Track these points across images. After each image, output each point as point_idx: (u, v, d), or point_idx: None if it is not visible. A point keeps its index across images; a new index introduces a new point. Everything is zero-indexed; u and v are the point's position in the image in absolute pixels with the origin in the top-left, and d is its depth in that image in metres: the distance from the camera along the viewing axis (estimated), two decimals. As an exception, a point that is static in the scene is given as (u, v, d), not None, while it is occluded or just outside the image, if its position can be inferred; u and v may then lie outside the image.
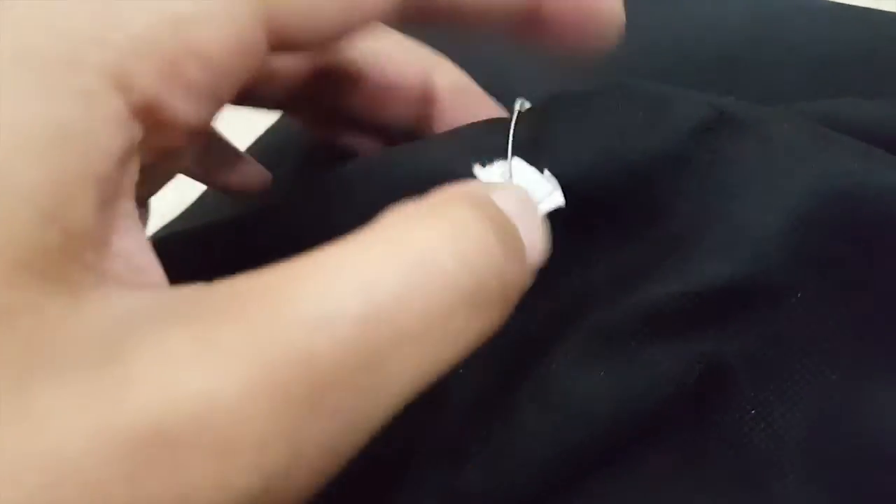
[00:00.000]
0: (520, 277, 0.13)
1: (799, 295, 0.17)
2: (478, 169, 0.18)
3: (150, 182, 0.16)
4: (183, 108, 0.12)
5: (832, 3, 0.28)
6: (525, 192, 0.16)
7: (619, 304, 0.17)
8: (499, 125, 0.19)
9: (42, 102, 0.10)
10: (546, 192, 0.18)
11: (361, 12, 0.13)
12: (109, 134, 0.11)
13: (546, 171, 0.18)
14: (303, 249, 0.11)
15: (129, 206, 0.12)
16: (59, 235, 0.10)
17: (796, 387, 0.17)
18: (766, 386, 0.17)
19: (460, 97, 0.21)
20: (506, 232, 0.13)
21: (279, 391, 0.10)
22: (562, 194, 0.18)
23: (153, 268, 0.12)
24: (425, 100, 0.21)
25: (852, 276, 0.17)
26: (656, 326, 0.17)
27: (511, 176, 0.18)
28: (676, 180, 0.18)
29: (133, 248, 0.12)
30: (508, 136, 0.18)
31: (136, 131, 0.11)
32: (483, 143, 0.19)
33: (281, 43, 0.13)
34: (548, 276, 0.16)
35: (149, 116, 0.11)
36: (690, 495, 0.17)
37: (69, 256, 0.10)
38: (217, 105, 0.13)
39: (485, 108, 0.21)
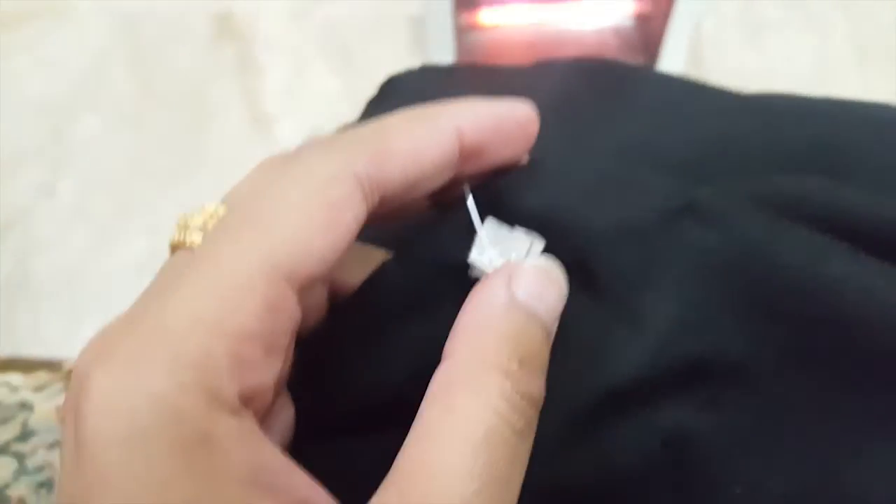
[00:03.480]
0: (538, 401, 0.17)
1: (761, 373, 0.19)
2: (474, 257, 0.19)
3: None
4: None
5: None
6: (546, 269, 0.18)
7: (582, 379, 0.19)
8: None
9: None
10: (526, 245, 0.19)
11: (343, 228, 0.17)
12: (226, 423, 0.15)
13: (517, 227, 0.19)
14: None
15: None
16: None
17: (772, 457, 0.18)
18: (742, 456, 0.18)
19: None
20: (532, 366, 0.17)
21: None
22: (541, 238, 0.19)
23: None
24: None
25: (807, 356, 0.18)
26: (622, 401, 0.19)
27: (486, 245, 0.19)
28: (639, 256, 0.19)
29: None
30: (470, 214, 0.20)
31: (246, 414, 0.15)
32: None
33: (304, 282, 0.16)
34: None
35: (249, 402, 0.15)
36: None
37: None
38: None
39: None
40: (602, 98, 0.32)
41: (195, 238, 0.17)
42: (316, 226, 0.16)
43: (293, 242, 0.16)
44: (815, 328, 0.18)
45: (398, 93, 0.37)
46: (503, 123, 0.19)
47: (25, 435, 0.32)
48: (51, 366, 0.38)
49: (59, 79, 1.00)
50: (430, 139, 0.18)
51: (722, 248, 0.19)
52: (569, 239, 0.19)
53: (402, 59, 1.02)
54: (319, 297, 0.21)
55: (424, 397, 0.16)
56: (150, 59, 1.02)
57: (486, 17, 0.91)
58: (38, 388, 0.35)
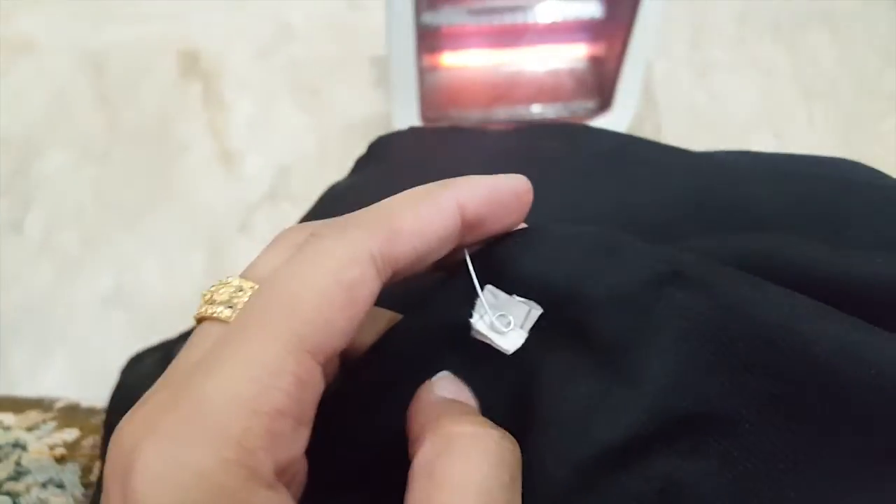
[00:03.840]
0: (518, 452, 0.19)
1: (747, 425, 0.20)
2: (475, 320, 0.21)
3: None
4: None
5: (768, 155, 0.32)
6: (449, 375, 0.21)
7: (585, 435, 0.20)
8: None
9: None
10: (524, 311, 0.21)
11: (361, 304, 0.18)
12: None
13: (515, 296, 0.21)
14: None
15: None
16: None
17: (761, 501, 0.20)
18: (733, 501, 0.20)
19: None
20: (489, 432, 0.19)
21: None
22: (538, 306, 0.21)
23: None
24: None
25: (787, 410, 0.20)
26: (622, 456, 0.20)
27: (486, 310, 0.21)
28: (632, 321, 0.21)
29: None
30: (471, 279, 0.21)
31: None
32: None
33: (327, 356, 0.18)
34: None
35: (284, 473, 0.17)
36: None
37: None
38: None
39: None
40: (583, 160, 0.34)
41: (224, 313, 0.19)
42: (337, 306, 0.17)
43: (317, 322, 0.17)
44: (792, 383, 0.20)
45: (387, 153, 0.39)
46: (501, 196, 0.21)
47: (19, 474, 0.33)
48: (41, 405, 0.39)
49: (23, 114, 1.00)
50: (435, 216, 0.20)
51: (705, 310, 0.20)
52: (564, 306, 0.21)
53: (367, 96, 1.04)
54: (335, 360, 0.23)
55: (408, 482, 0.18)
56: (116, 95, 1.03)
57: (447, 59, 0.94)
58: (30, 428, 0.36)
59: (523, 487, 0.19)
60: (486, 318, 0.21)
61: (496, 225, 0.21)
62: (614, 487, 0.20)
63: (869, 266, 0.22)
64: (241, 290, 0.19)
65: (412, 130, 0.39)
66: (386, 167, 0.38)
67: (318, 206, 0.37)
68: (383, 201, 0.20)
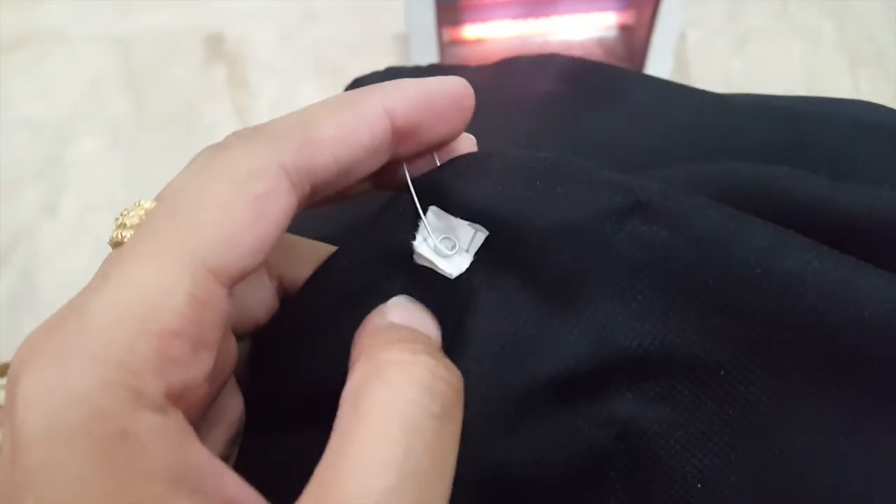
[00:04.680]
0: (455, 381, 0.17)
1: (722, 372, 0.18)
2: (417, 244, 0.20)
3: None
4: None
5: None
6: (405, 299, 0.20)
7: (523, 369, 0.19)
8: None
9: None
10: (470, 234, 0.20)
11: (272, 220, 0.17)
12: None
13: (460, 219, 0.20)
14: None
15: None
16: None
17: (732, 454, 0.18)
18: (701, 451, 0.18)
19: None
20: (430, 350, 0.17)
21: None
22: (484, 230, 0.19)
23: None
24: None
25: (765, 354, 0.18)
26: (566, 391, 0.19)
27: (429, 232, 0.20)
28: (583, 254, 0.19)
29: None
30: (412, 198, 0.20)
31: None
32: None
33: (234, 277, 0.16)
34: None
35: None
36: None
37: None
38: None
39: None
40: (565, 93, 0.32)
41: (128, 235, 0.17)
42: (241, 221, 0.16)
43: (218, 238, 0.16)
44: (773, 325, 0.18)
45: None
46: (434, 100, 0.19)
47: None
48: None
49: (56, 102, 1.03)
50: (358, 123, 0.18)
51: (671, 245, 0.19)
52: (512, 234, 0.19)
53: (392, 75, 1.04)
54: (268, 293, 0.21)
55: (339, 404, 0.16)
56: (145, 81, 1.04)
57: (469, 32, 0.92)
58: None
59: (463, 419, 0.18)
60: (429, 240, 0.19)
61: (432, 133, 0.20)
62: (564, 430, 0.18)
63: (871, 200, 0.20)
64: (150, 211, 0.18)
65: (388, 70, 0.38)
66: None
67: None
68: (300, 109, 0.18)
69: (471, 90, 0.20)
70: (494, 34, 0.93)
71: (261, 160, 0.17)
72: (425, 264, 0.20)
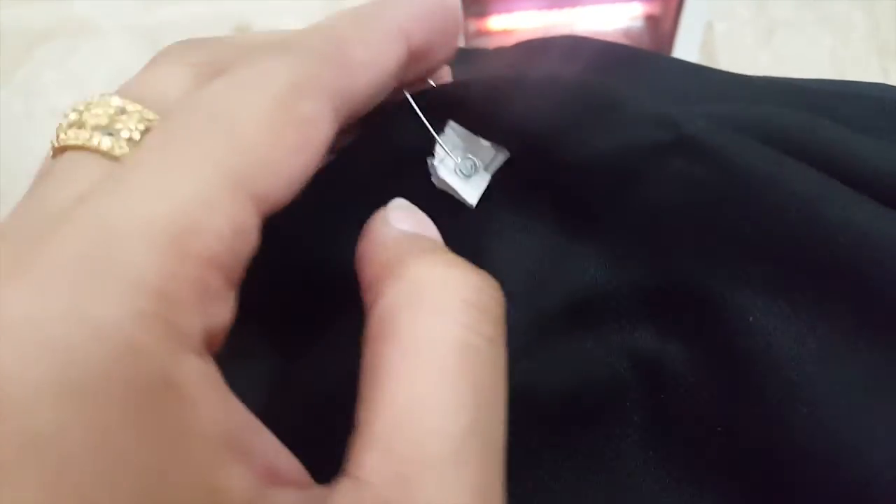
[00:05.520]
0: (499, 294, 0.15)
1: (751, 319, 0.17)
2: (437, 164, 0.18)
3: None
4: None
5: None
6: (405, 202, 0.17)
7: (543, 291, 0.18)
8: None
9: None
10: (490, 155, 0.18)
11: (315, 149, 0.14)
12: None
13: (480, 137, 0.18)
14: None
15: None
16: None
17: (751, 400, 0.17)
18: (719, 394, 0.18)
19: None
20: (453, 263, 0.15)
21: None
22: (506, 151, 0.18)
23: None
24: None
25: (811, 308, 0.17)
26: (585, 317, 0.18)
27: (447, 152, 0.18)
28: (610, 186, 0.18)
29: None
30: (423, 121, 0.18)
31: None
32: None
33: (269, 207, 0.14)
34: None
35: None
36: (650, 486, 0.18)
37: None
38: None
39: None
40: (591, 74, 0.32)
41: (105, 142, 0.14)
42: (288, 144, 0.14)
43: (262, 160, 0.13)
44: (810, 277, 0.17)
45: None
46: (443, 15, 0.17)
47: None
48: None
49: (85, 93, 1.04)
50: (386, 46, 0.16)
51: (707, 181, 0.18)
52: (540, 159, 0.18)
53: (416, 67, 1.04)
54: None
55: (364, 342, 0.14)
56: (173, 72, 1.05)
57: (495, 23, 0.92)
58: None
59: None
60: (447, 161, 0.18)
61: (438, 56, 0.18)
62: (582, 353, 0.18)
63: None
64: (124, 113, 0.15)
65: None
66: None
67: None
68: (324, 22, 0.16)
69: (460, 4, 0.18)
70: (520, 25, 0.93)
71: (305, 77, 0.14)
72: (444, 188, 0.18)
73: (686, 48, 0.91)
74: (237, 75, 0.14)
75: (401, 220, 0.16)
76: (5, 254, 0.11)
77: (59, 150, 0.15)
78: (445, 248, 0.16)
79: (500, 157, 0.19)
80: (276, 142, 0.13)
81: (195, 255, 0.12)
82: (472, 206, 0.18)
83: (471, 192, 0.18)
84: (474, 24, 0.91)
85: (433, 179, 0.18)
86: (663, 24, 0.92)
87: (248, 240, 0.13)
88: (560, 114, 0.18)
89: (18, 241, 0.11)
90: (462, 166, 0.18)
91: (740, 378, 0.18)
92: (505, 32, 0.93)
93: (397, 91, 0.18)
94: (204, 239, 0.12)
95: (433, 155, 0.18)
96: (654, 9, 0.93)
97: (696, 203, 0.18)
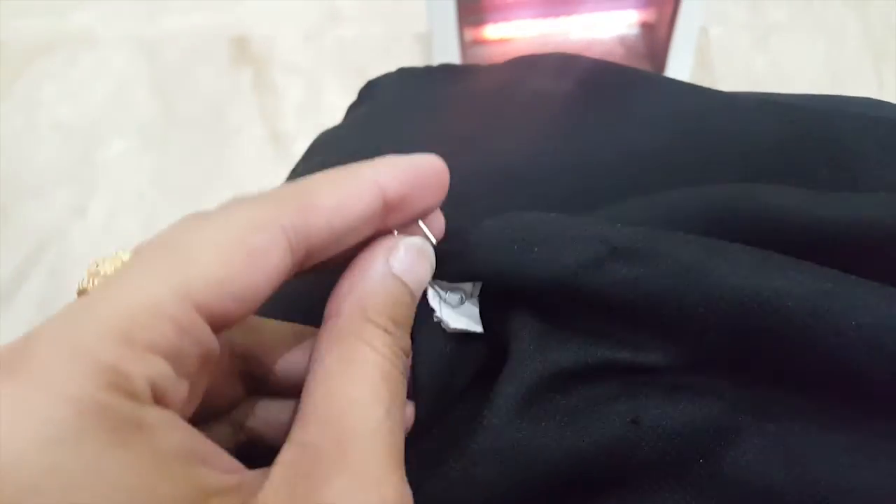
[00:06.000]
0: (407, 349, 0.20)
1: (724, 393, 0.20)
2: (444, 316, 0.22)
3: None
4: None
5: (748, 96, 0.31)
6: (419, 246, 0.21)
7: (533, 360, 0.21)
8: None
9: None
10: (469, 287, 0.22)
11: (265, 274, 0.17)
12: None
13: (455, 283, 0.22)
14: None
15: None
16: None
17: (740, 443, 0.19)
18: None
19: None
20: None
21: None
22: (478, 282, 0.22)
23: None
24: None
25: (766, 372, 0.20)
26: (569, 376, 0.21)
27: (442, 298, 0.22)
28: (568, 297, 0.21)
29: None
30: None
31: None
32: None
33: (221, 317, 0.17)
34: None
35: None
36: None
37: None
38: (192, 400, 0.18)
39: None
40: (579, 95, 0.33)
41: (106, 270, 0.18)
42: (236, 266, 0.16)
43: (208, 276, 0.16)
44: (762, 344, 0.19)
45: (373, 96, 0.39)
46: (422, 175, 0.20)
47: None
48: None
49: (85, 105, 1.05)
50: (354, 193, 0.19)
51: (651, 279, 0.20)
52: (501, 291, 0.22)
53: (414, 75, 1.04)
54: (232, 377, 0.22)
55: (316, 349, 0.19)
56: (172, 83, 1.06)
57: (491, 32, 0.93)
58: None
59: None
60: (444, 309, 0.22)
61: (418, 206, 0.21)
62: (590, 413, 0.20)
63: (847, 210, 0.21)
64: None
65: (400, 71, 0.39)
66: (369, 109, 0.38)
67: (308, 152, 0.37)
68: (302, 178, 0.19)
69: (446, 167, 0.21)
70: (516, 34, 0.94)
71: (262, 217, 0.17)
72: (459, 329, 0.22)
73: (681, 54, 0.91)
74: (209, 219, 0.18)
75: (400, 260, 0.20)
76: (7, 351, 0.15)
77: (78, 295, 0.18)
78: (404, 305, 0.20)
79: (478, 285, 0.22)
80: (224, 262, 0.16)
81: (141, 344, 0.15)
82: (482, 332, 0.22)
83: (474, 324, 0.22)
84: (471, 33, 0.91)
85: (448, 328, 0.22)
86: (658, 31, 0.93)
87: (198, 339, 0.16)
88: (504, 255, 0.21)
89: (9, 351, 0.15)
90: (453, 298, 0.22)
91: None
92: (501, 41, 0.94)
93: (386, 231, 0.21)
94: (147, 334, 0.15)
95: (430, 308, 0.22)
96: (649, 16, 0.94)
97: (640, 298, 0.20)
